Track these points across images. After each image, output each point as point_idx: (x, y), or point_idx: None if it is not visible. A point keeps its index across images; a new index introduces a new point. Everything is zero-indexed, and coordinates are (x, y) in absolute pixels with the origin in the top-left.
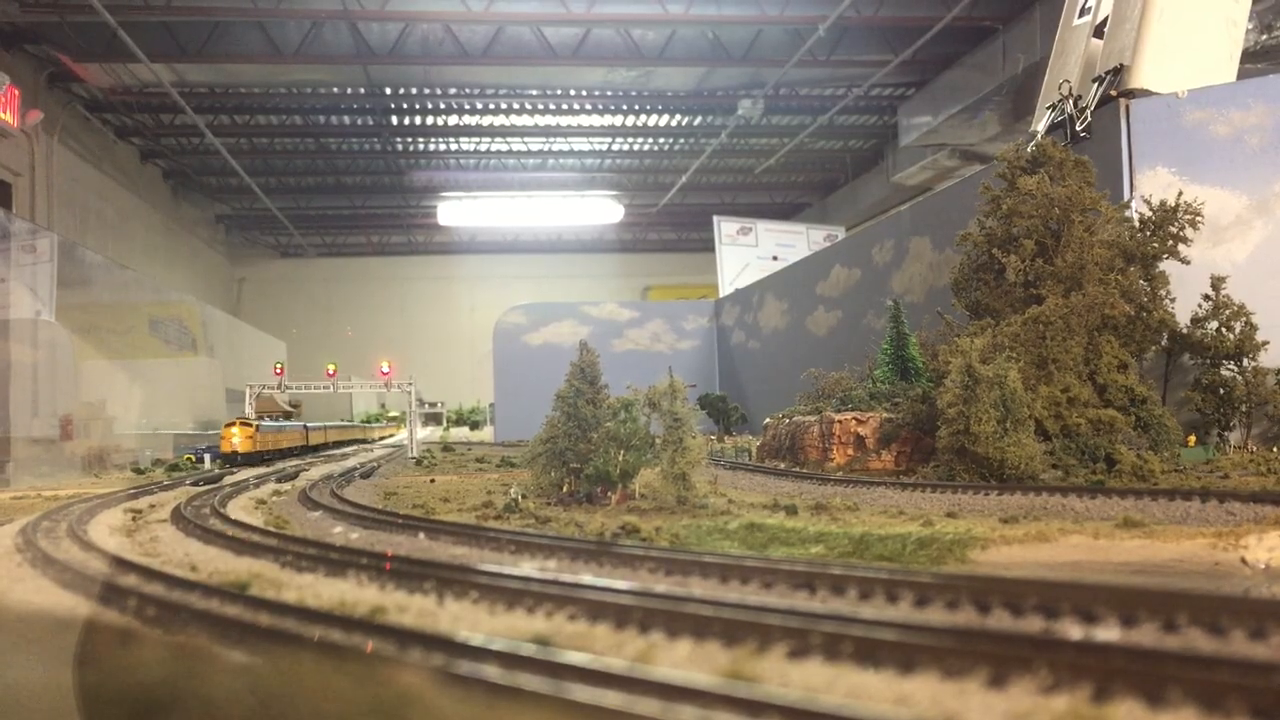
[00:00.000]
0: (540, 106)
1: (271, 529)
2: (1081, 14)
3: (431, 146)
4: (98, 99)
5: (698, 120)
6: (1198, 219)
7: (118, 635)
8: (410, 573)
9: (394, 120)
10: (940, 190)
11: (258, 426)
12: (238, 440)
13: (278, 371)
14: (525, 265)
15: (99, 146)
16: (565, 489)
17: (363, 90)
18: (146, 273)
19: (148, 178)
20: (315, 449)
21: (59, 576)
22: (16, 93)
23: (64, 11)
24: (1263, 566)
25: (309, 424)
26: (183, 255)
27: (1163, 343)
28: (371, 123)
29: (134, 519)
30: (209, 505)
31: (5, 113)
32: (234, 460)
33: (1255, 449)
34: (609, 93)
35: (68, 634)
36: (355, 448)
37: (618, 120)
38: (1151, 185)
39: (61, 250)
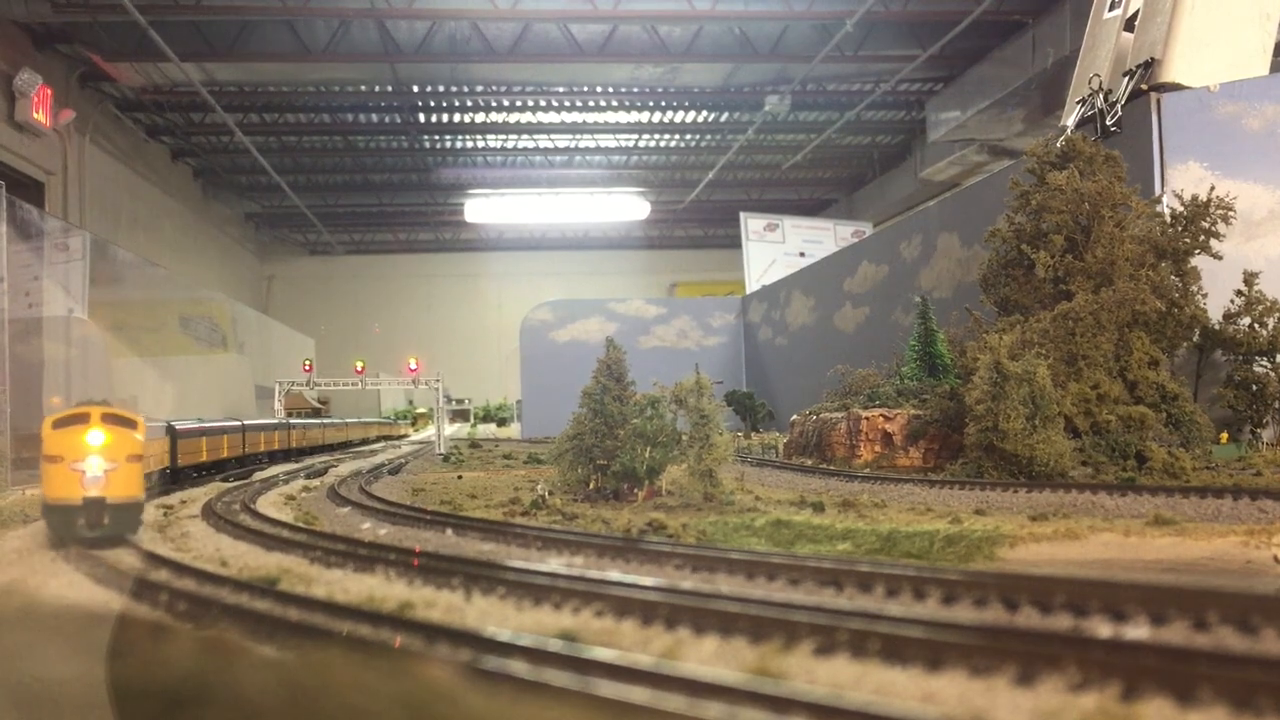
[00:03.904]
0: (567, 103)
1: (301, 525)
2: (1112, 7)
3: (458, 144)
4: (129, 98)
5: (724, 116)
6: (1230, 214)
7: (150, 630)
8: (438, 568)
9: (421, 118)
10: (969, 186)
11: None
12: (94, 469)
13: (306, 368)
14: (552, 262)
15: (130, 145)
16: (592, 485)
17: (390, 88)
18: (177, 270)
19: (178, 176)
20: (257, 459)
21: (91, 571)
22: (49, 92)
23: (95, 12)
24: None
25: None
26: (213, 253)
27: (1194, 339)
28: (399, 120)
29: (165, 514)
30: (239, 501)
31: (38, 112)
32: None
33: None
34: (635, 89)
35: (100, 629)
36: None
37: (644, 117)
38: (1183, 180)
39: (93, 248)
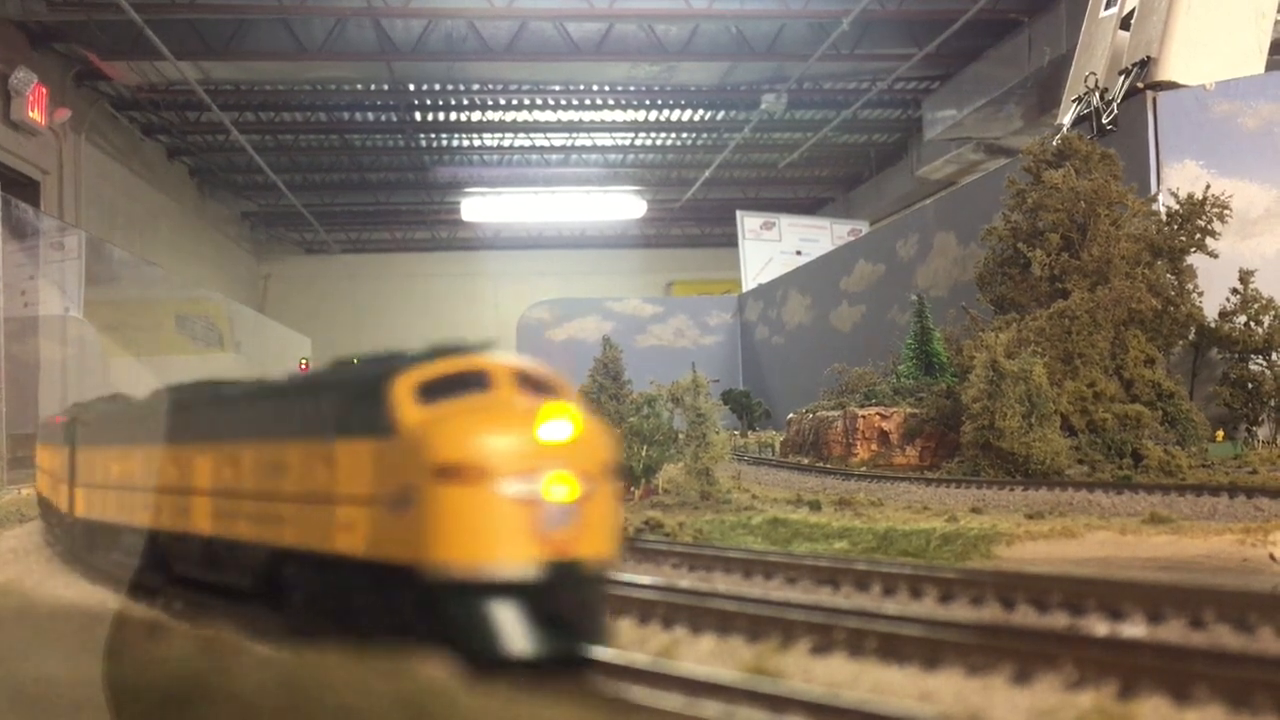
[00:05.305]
0: (563, 102)
1: None
2: (1108, 6)
3: (455, 143)
4: (125, 97)
5: (720, 115)
6: (1226, 212)
7: (147, 629)
8: None
9: (417, 117)
10: (965, 184)
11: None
12: (560, 497)
13: (303, 367)
14: (549, 261)
15: (126, 144)
16: None
17: (386, 87)
18: (173, 269)
19: (174, 175)
20: None
21: (87, 571)
22: (44, 91)
23: (91, 10)
24: None
25: None
26: (209, 252)
27: (1190, 337)
28: (395, 119)
29: None
30: None
31: (33, 111)
32: (569, 614)
33: None
34: (632, 88)
35: (97, 628)
36: None
37: (640, 115)
38: (1179, 178)
39: (89, 247)
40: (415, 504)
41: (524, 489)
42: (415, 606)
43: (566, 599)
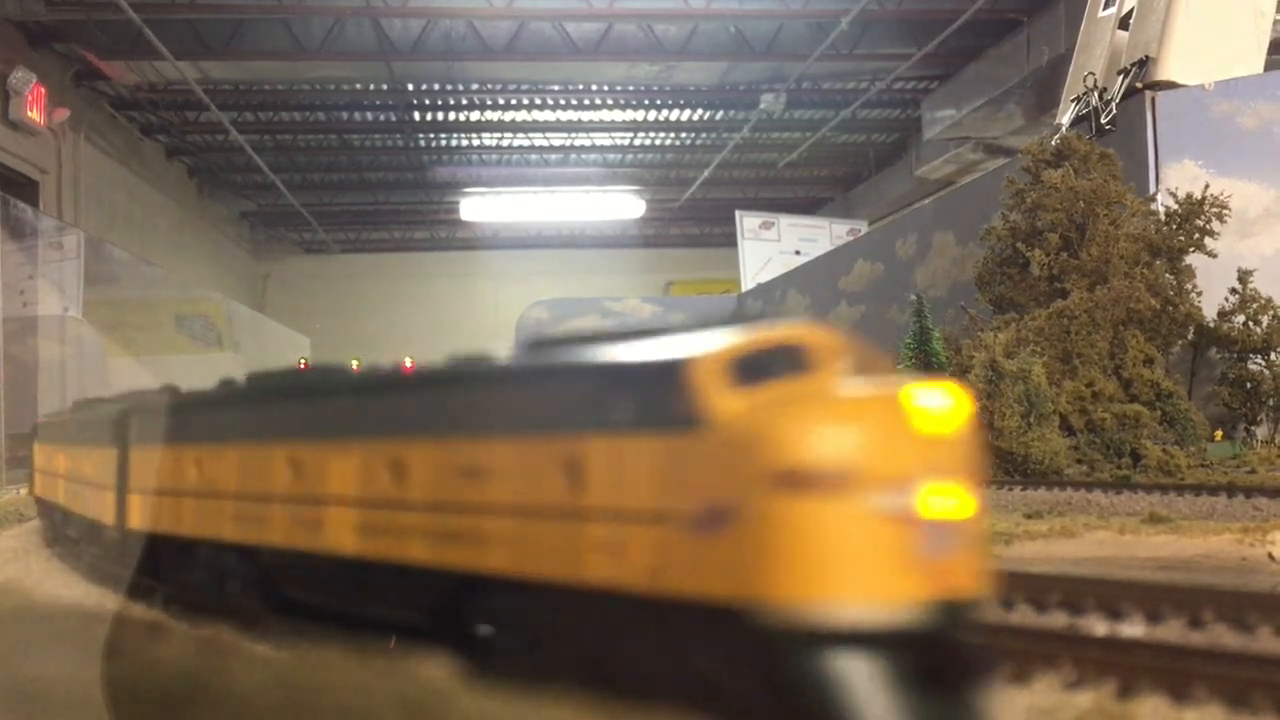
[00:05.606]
0: (562, 102)
1: None
2: (1107, 6)
3: (454, 142)
4: (124, 96)
5: (719, 115)
6: (1224, 212)
7: (146, 629)
8: None
9: (416, 116)
10: (964, 184)
11: None
12: (945, 512)
13: (302, 367)
14: (548, 261)
15: (125, 144)
16: None
17: (385, 87)
18: (172, 269)
19: (173, 175)
20: None
21: (87, 571)
22: (43, 91)
23: (90, 10)
24: None
25: None
26: (208, 251)
27: (1189, 337)
28: (394, 119)
29: None
30: None
31: (32, 111)
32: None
33: None
34: (630, 87)
35: (97, 627)
36: None
37: (639, 115)
38: (1178, 178)
39: (88, 247)
40: (737, 522)
41: (896, 502)
42: (735, 659)
43: (949, 652)
